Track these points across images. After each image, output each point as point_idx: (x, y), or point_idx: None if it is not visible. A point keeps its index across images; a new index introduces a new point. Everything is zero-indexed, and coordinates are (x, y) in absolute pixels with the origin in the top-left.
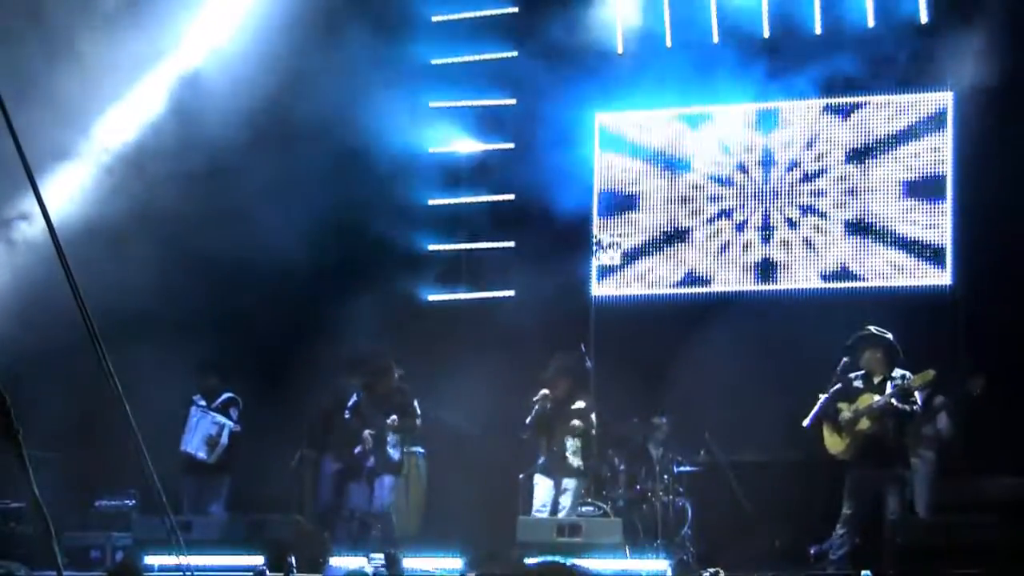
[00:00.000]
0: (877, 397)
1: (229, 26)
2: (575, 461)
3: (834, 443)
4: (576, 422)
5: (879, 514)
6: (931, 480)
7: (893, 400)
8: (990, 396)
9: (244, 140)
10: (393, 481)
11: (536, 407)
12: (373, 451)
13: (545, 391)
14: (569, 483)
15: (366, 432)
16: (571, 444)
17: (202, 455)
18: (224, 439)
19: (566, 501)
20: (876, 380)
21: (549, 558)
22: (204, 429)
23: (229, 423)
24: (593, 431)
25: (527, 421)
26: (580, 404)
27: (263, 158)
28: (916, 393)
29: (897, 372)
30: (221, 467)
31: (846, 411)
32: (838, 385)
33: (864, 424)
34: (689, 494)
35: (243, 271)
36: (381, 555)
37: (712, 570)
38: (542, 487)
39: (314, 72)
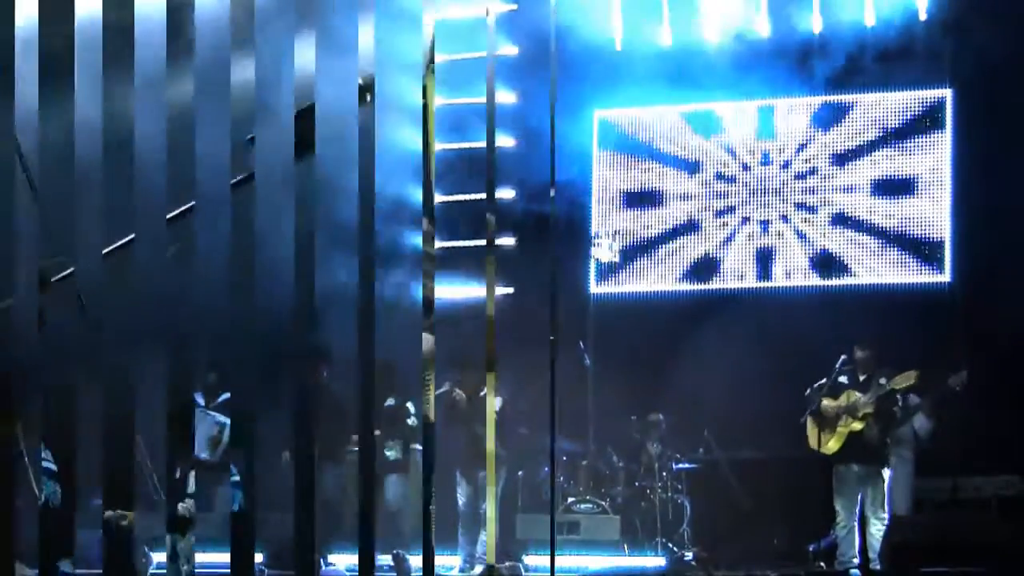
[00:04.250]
0: (859, 395)
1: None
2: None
3: (816, 439)
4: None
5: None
6: (910, 480)
7: (874, 400)
8: (989, 395)
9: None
10: (395, 479)
11: (443, 402)
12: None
13: (448, 385)
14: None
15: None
16: (481, 431)
17: (205, 456)
18: (225, 437)
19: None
20: (862, 378)
21: None
22: (205, 430)
23: (229, 421)
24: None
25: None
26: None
27: (258, 155)
28: (899, 395)
29: (883, 372)
30: (223, 465)
31: (830, 407)
32: (824, 380)
33: (846, 422)
34: (688, 491)
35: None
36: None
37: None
38: (463, 484)
39: (313, 68)
